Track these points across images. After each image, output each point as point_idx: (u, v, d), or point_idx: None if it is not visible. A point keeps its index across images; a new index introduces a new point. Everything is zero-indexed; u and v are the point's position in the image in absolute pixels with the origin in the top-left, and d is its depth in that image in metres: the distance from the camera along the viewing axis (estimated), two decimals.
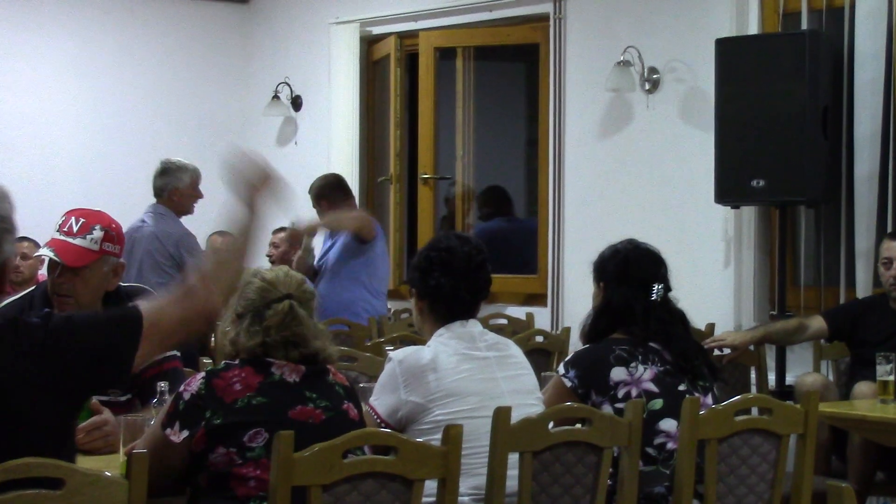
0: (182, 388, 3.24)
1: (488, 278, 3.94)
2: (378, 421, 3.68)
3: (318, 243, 7.74)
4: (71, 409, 2.77)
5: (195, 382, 3.22)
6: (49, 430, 2.68)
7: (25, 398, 2.63)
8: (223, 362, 3.34)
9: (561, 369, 4.10)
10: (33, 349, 2.65)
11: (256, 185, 3.05)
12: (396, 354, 3.76)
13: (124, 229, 6.74)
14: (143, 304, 2.84)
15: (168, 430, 3.17)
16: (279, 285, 3.38)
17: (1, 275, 2.76)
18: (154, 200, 7.14)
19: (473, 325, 3.89)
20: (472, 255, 3.88)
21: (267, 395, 3.21)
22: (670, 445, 3.88)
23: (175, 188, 7.12)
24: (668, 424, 3.91)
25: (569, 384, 4.03)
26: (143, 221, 7.08)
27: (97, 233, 3.96)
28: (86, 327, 2.75)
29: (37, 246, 6.98)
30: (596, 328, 4.21)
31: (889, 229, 6.06)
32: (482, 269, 3.90)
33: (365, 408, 3.67)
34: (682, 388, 4.02)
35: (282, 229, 7.76)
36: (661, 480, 3.85)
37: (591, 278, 4.34)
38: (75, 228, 3.95)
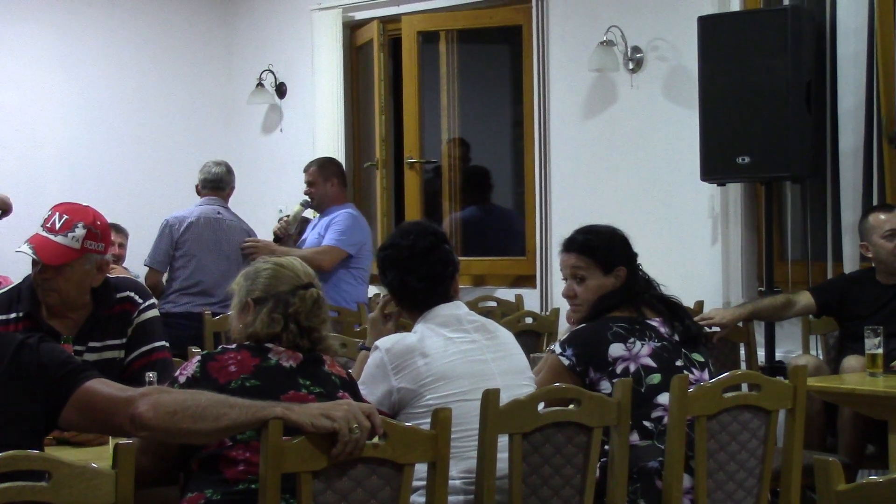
0: (179, 371, 3.26)
1: (442, 259, 3.88)
2: None
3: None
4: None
5: (191, 366, 3.23)
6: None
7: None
8: (220, 346, 3.35)
9: (557, 348, 4.09)
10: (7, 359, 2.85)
11: None
12: (382, 343, 3.74)
13: (192, 216, 7.00)
14: (96, 381, 2.88)
15: None
16: (301, 274, 3.39)
17: None
18: (206, 195, 7.43)
19: (457, 308, 3.87)
20: (415, 245, 3.86)
21: (260, 378, 3.19)
22: (667, 420, 3.89)
23: (232, 187, 7.50)
24: (665, 399, 3.90)
25: (566, 362, 4.03)
26: (219, 213, 7.35)
27: (79, 231, 3.90)
28: (46, 353, 2.88)
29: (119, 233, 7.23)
30: (598, 309, 4.21)
31: (875, 202, 6.07)
32: (430, 254, 3.87)
33: None
34: (679, 363, 4.04)
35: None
36: (656, 455, 3.85)
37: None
38: (58, 225, 3.90)
